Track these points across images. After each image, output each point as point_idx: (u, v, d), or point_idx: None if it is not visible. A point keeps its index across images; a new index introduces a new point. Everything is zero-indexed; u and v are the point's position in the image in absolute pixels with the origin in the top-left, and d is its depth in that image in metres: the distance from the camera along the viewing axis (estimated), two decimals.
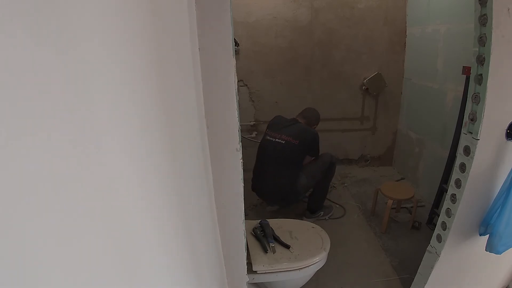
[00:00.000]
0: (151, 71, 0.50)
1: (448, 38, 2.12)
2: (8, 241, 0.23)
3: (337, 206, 2.39)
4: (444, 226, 1.18)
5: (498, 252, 1.09)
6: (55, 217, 0.28)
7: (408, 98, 2.74)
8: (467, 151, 1.06)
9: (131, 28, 0.44)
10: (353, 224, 2.19)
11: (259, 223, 1.51)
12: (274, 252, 1.37)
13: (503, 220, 1.04)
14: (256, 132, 2.86)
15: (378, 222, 2.17)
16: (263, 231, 1.46)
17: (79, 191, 0.31)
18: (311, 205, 2.20)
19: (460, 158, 1.10)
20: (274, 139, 2.03)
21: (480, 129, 1.00)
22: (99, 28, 0.36)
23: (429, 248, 1.26)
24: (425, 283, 1.28)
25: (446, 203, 1.17)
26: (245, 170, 1.02)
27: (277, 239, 1.43)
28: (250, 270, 1.24)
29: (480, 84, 0.99)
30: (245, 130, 2.83)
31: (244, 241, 1.07)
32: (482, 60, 0.97)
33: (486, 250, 1.12)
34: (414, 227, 2.09)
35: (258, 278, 1.31)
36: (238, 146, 0.92)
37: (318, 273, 1.50)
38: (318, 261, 1.37)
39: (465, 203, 1.10)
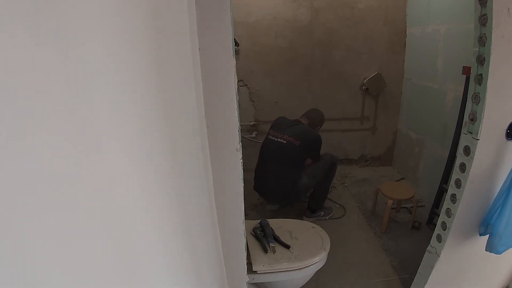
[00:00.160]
0: (151, 71, 0.50)
1: (448, 38, 2.12)
2: (8, 241, 0.23)
3: (337, 206, 2.39)
4: (444, 226, 1.18)
5: (498, 252, 1.09)
6: (55, 217, 0.28)
7: (408, 98, 2.74)
8: (467, 151, 1.06)
9: (131, 28, 0.44)
10: (353, 224, 2.19)
11: (259, 223, 1.51)
12: (274, 252, 1.37)
13: (503, 220, 1.04)
14: (256, 132, 2.86)
15: (378, 222, 2.17)
16: (263, 231, 1.46)
17: (79, 191, 0.31)
18: (312, 205, 2.20)
19: (460, 158, 1.10)
20: (276, 139, 2.04)
21: (480, 129, 1.00)
22: (99, 28, 0.36)
23: (429, 248, 1.26)
24: (425, 283, 1.28)
25: (446, 203, 1.17)
26: (245, 170, 1.02)
27: (277, 239, 1.43)
28: (250, 270, 1.24)
29: (480, 84, 0.99)
30: (245, 130, 2.83)
31: (244, 241, 1.07)
32: (482, 60, 0.97)
33: (486, 250, 1.12)
34: (414, 227, 2.09)
35: (258, 278, 1.31)
36: (238, 146, 0.92)
37: (318, 273, 1.50)
38: (318, 261, 1.37)
39: (465, 203, 1.10)
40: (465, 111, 1.07)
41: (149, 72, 0.49)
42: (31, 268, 0.25)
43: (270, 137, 2.09)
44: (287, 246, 1.40)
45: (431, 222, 2.08)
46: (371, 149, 3.05)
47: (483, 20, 0.94)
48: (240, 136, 0.92)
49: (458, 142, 1.23)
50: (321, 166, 2.10)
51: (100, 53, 0.36)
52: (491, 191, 1.11)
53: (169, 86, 0.59)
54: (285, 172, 2.00)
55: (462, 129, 1.08)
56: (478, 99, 1.00)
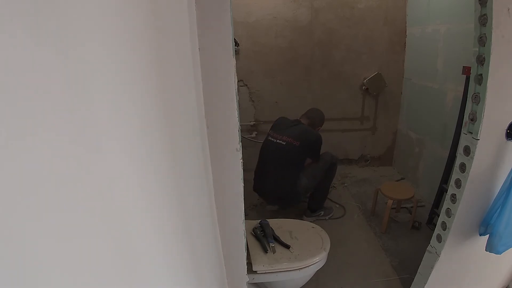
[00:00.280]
0: (151, 71, 0.50)
1: (448, 38, 2.12)
2: (8, 241, 0.23)
3: (337, 206, 2.39)
4: (444, 226, 1.18)
5: (498, 252, 1.09)
6: (55, 217, 0.28)
7: (408, 98, 2.74)
8: (467, 151, 1.06)
9: (131, 28, 0.44)
10: (353, 224, 2.19)
11: (259, 223, 1.51)
12: (274, 252, 1.37)
13: (503, 220, 1.04)
14: (256, 132, 2.86)
15: (378, 222, 2.17)
16: (263, 231, 1.46)
17: (79, 191, 0.31)
18: (312, 204, 2.20)
19: (460, 158, 1.10)
20: (275, 140, 2.04)
21: (480, 129, 1.00)
22: (99, 28, 0.36)
23: (429, 248, 1.26)
24: (425, 283, 1.28)
25: (446, 203, 1.17)
26: (245, 170, 1.02)
27: (277, 239, 1.43)
28: (250, 270, 1.24)
29: (480, 84, 0.99)
30: (245, 130, 2.83)
31: (244, 241, 1.07)
32: (482, 60, 0.97)
33: (486, 250, 1.12)
34: (414, 227, 2.09)
35: (258, 278, 1.31)
36: (238, 146, 0.92)
37: (318, 273, 1.50)
38: (318, 261, 1.37)
39: (465, 203, 1.10)
40: (465, 111, 1.07)
41: (149, 72, 0.49)
42: (31, 268, 0.25)
43: (270, 138, 2.09)
44: (287, 246, 1.40)
45: (431, 222, 2.08)
46: (371, 149, 3.05)
47: (483, 20, 0.94)
48: (240, 136, 0.92)
49: (458, 142, 1.23)
50: (321, 166, 2.10)
51: (100, 53, 0.36)
52: (491, 191, 1.11)
53: (169, 86, 0.59)
54: (284, 173, 2.00)
55: (462, 129, 1.08)
56: (478, 99, 1.00)
